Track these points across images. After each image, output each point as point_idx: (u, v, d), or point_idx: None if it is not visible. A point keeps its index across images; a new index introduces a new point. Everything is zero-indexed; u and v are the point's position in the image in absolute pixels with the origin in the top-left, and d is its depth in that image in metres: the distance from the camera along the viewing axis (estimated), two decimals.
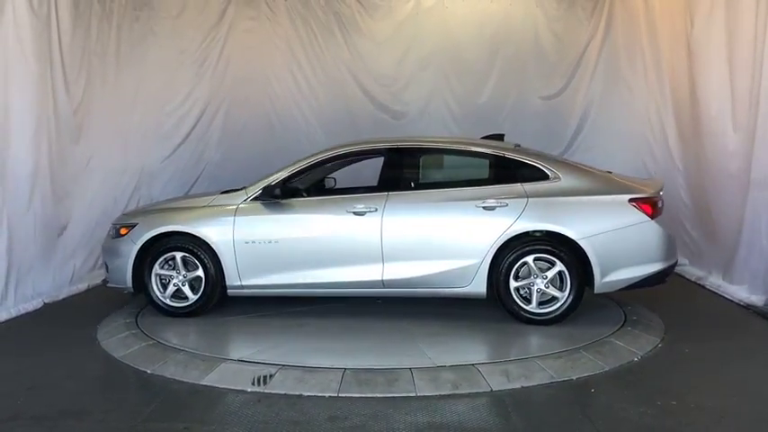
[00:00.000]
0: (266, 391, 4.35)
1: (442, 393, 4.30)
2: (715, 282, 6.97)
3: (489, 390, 4.36)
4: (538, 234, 5.47)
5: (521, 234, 5.47)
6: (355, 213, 5.64)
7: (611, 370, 4.71)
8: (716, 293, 6.79)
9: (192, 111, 8.98)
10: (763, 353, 5.18)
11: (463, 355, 4.88)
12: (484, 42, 9.12)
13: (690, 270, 7.47)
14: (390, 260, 5.60)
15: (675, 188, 7.71)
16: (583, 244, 5.39)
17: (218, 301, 5.96)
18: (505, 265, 5.48)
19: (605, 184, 5.65)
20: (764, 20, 6.07)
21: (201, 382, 4.51)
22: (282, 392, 4.32)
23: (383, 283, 5.65)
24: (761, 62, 6.08)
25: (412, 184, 5.89)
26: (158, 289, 5.94)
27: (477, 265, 5.50)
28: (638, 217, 5.41)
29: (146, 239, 5.88)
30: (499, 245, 5.47)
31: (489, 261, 5.49)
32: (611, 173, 5.92)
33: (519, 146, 6.13)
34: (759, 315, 6.00)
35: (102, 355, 5.18)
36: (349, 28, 9.22)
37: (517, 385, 4.42)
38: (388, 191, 5.75)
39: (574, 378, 4.56)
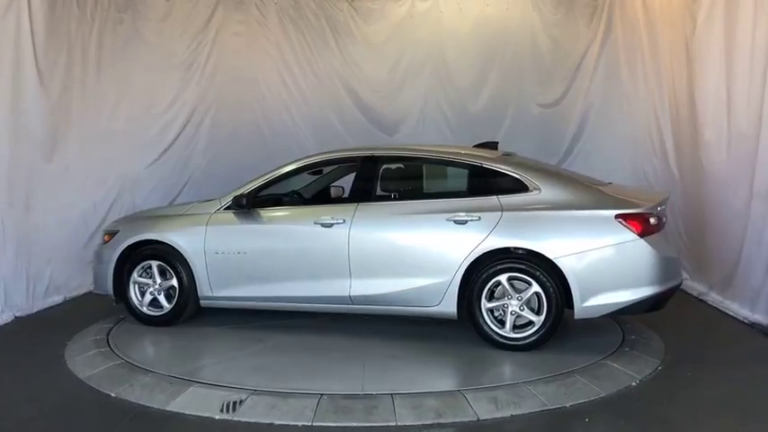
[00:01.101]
0: (235, 418, 4.05)
1: (425, 423, 3.99)
2: (717, 298, 6.67)
3: (476, 419, 4.05)
4: (521, 252, 5.01)
5: (495, 251, 5.03)
6: (323, 225, 5.37)
7: (607, 396, 4.40)
8: (719, 310, 6.47)
9: (179, 116, 8.71)
10: None
11: (448, 380, 4.57)
12: (480, 47, 8.90)
13: (691, 285, 7.16)
14: (358, 275, 5.31)
15: (673, 198, 7.39)
16: (560, 263, 4.89)
17: (198, 311, 5.86)
18: (477, 285, 5.07)
19: (590, 197, 5.13)
20: (764, 26, 5.80)
21: (167, 408, 4.21)
22: (252, 420, 4.02)
23: (351, 300, 5.37)
24: (764, 70, 5.80)
25: (382, 195, 5.61)
26: (137, 297, 5.90)
27: (446, 283, 5.10)
28: (624, 235, 4.85)
29: (124, 247, 5.87)
30: (470, 262, 5.05)
31: (459, 279, 5.08)
32: (611, 184, 5.58)
33: (511, 154, 5.81)
34: (764, 334, 5.69)
35: (66, 375, 4.88)
36: (341, 32, 9.00)
37: (506, 413, 4.12)
38: (357, 201, 5.46)
39: (567, 405, 4.25)
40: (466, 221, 5.08)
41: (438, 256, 5.15)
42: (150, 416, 4.16)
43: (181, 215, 5.99)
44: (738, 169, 6.26)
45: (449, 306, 5.13)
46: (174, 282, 5.75)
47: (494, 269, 5.04)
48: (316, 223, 5.40)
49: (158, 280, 5.82)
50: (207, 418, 4.08)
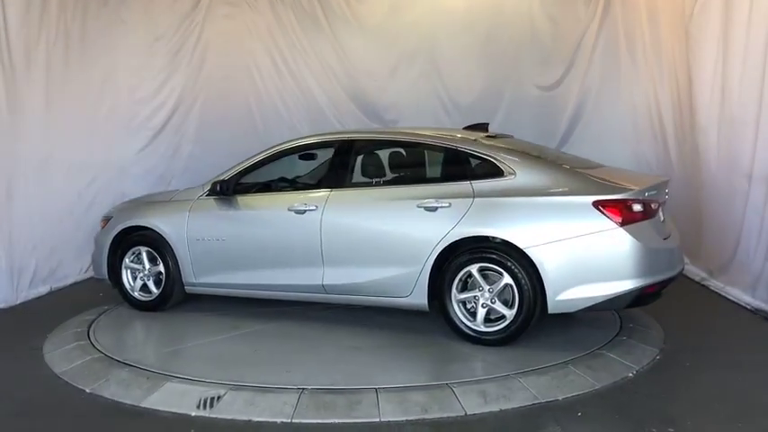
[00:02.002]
0: (212, 415, 3.87)
1: (410, 418, 3.81)
2: (718, 283, 6.48)
3: (463, 413, 3.86)
4: (493, 241, 4.70)
5: (466, 239, 4.74)
6: (296, 212, 5.23)
7: (602, 388, 4.20)
8: (720, 295, 6.29)
9: (167, 102, 8.55)
10: None
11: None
12: (476, 28, 8.61)
13: (692, 270, 6.96)
14: (330, 264, 5.15)
15: (673, 182, 7.16)
16: (531, 253, 4.54)
17: (188, 297, 5.90)
18: (448, 275, 4.81)
19: (568, 182, 4.73)
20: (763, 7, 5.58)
21: (142, 404, 4.03)
22: (230, 417, 3.85)
23: (324, 288, 5.21)
24: (763, 51, 5.58)
25: (356, 181, 5.39)
26: (129, 282, 5.97)
27: (416, 273, 4.85)
28: (603, 223, 4.46)
29: (116, 233, 5.94)
30: (439, 251, 4.78)
31: (429, 269, 4.83)
32: (603, 167, 5.31)
33: (500, 135, 5.53)
34: (767, 320, 5.50)
35: (42, 370, 4.71)
36: (335, 14, 8.75)
37: (495, 408, 3.92)
38: (331, 188, 5.29)
39: (560, 398, 4.06)
40: (436, 208, 4.83)
41: (408, 245, 4.90)
42: (123, 413, 4.00)
43: (167, 201, 5.97)
44: (736, 153, 6.07)
45: (420, 297, 4.90)
46: (162, 267, 5.78)
47: (464, 259, 4.77)
48: (289, 210, 5.26)
49: (147, 265, 5.87)
50: (183, 414, 3.91)
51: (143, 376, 4.33)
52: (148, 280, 5.88)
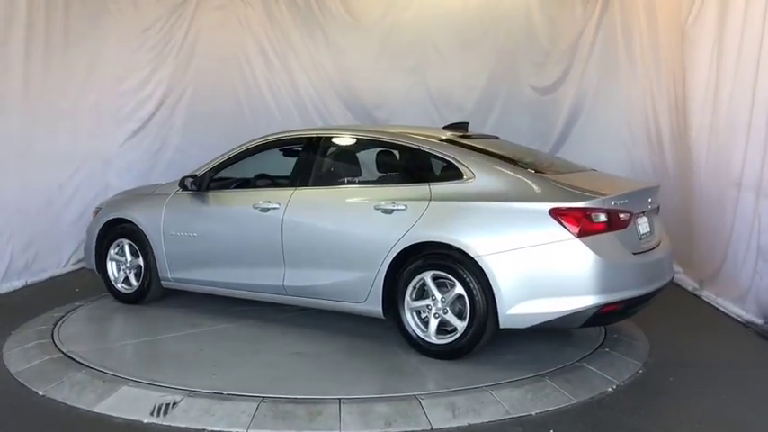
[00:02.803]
0: (165, 423, 3.69)
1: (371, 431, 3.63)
2: (710, 294, 6.28)
3: (429, 428, 3.67)
4: (447, 248, 4.40)
5: (421, 244, 4.47)
6: (261, 210, 5.10)
7: (578, 404, 4.01)
8: (712, 306, 6.08)
9: (154, 94, 8.41)
10: (759, 383, 4.45)
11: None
12: (471, 26, 8.42)
13: (685, 279, 6.76)
14: (291, 264, 4.98)
15: (667, 188, 6.97)
16: (483, 262, 4.22)
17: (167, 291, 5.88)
18: (402, 282, 4.55)
19: (529, 187, 4.38)
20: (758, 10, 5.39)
21: (94, 409, 3.85)
22: (183, 426, 3.67)
23: (285, 290, 5.05)
24: (757, 57, 5.40)
25: (320, 179, 5.21)
26: (113, 273, 5.99)
27: (371, 278, 4.61)
28: (559, 233, 4.11)
29: (102, 224, 5.98)
30: (394, 255, 4.53)
31: (384, 275, 4.58)
32: (586, 170, 5.10)
33: (470, 135, 5.27)
34: (759, 335, 5.29)
35: None
36: (329, 10, 8.58)
37: (463, 422, 3.73)
38: (295, 186, 5.14)
39: (533, 413, 3.86)
40: (392, 210, 4.60)
41: (363, 249, 4.68)
42: (74, 419, 3.81)
43: (149, 195, 5.94)
44: (726, 159, 5.90)
45: (374, 303, 4.65)
46: (142, 261, 5.77)
47: (418, 265, 4.50)
48: (254, 207, 5.13)
49: (129, 258, 5.87)
50: (135, 421, 3.73)
51: (99, 379, 4.14)
52: (130, 273, 5.89)
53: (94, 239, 6.01)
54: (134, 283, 5.86)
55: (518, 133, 7.16)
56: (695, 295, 6.46)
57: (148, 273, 5.73)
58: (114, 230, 5.92)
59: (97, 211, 6.23)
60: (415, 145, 4.90)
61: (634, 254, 4.40)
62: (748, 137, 5.55)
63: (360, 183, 5.27)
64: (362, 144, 5.49)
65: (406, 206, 4.55)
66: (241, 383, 4.06)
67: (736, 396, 4.20)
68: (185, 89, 8.51)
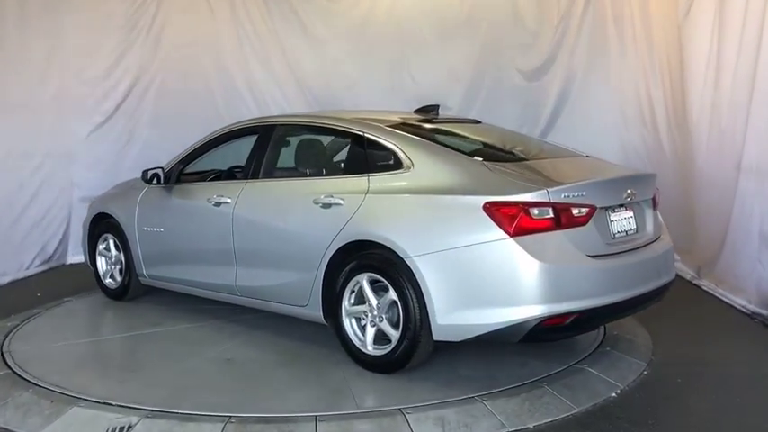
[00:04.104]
0: None
1: None
2: (711, 283, 5.96)
3: None
4: (381, 247, 3.94)
5: (354, 243, 4.03)
6: (214, 204, 4.84)
7: (580, 412, 3.64)
8: (714, 296, 5.76)
9: (120, 83, 7.91)
10: None
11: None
12: (455, 9, 8.02)
13: (683, 268, 6.41)
14: (242, 263, 4.67)
15: (664, 172, 6.63)
16: (413, 264, 3.71)
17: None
18: (339, 284, 4.12)
19: (469, 177, 3.84)
20: None
21: None
22: None
23: (237, 290, 4.76)
24: (759, 35, 5.06)
25: (270, 172, 4.81)
26: (102, 268, 5.93)
27: (311, 279, 4.21)
28: (492, 232, 3.55)
29: (90, 219, 5.96)
30: (331, 255, 4.10)
31: (323, 276, 4.16)
32: (588, 157, 4.70)
33: (434, 119, 4.86)
34: (766, 327, 4.96)
35: None
36: None
37: None
38: (246, 179, 4.80)
39: (531, 426, 3.50)
40: (330, 205, 4.18)
41: (303, 247, 4.28)
42: None
43: (129, 189, 5.78)
44: (727, 143, 5.61)
45: (315, 308, 4.26)
46: (123, 257, 5.68)
47: (354, 266, 4.06)
48: (209, 201, 4.87)
49: (114, 253, 5.79)
50: None
51: (47, 398, 3.72)
52: (114, 268, 5.81)
53: (85, 234, 5.99)
54: (118, 278, 5.77)
55: (505, 119, 6.84)
56: (694, 285, 6.15)
57: (128, 269, 5.62)
58: (101, 225, 5.87)
59: (91, 204, 6.19)
60: (359, 131, 4.38)
61: (594, 256, 3.73)
62: (747, 120, 5.23)
63: (305, 175, 4.81)
64: (313, 132, 5.03)
65: (343, 200, 4.13)
66: (138, 393, 3.77)
67: (752, 398, 3.86)
68: (153, 78, 8.02)
